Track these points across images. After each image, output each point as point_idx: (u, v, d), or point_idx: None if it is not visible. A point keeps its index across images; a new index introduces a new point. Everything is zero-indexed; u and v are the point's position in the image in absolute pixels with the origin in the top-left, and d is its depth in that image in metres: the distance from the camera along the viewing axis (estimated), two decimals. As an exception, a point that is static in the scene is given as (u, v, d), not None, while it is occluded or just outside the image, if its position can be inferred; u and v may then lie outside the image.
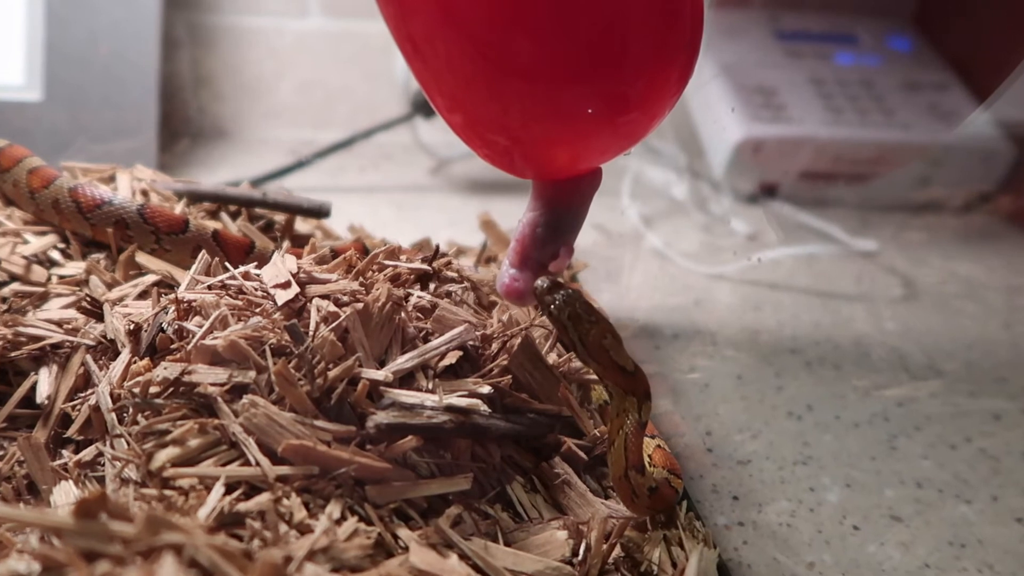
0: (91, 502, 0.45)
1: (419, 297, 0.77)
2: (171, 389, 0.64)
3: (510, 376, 0.74)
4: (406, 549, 0.59)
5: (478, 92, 0.63)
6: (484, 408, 0.68)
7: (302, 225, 1.02)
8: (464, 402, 0.66)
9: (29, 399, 0.72)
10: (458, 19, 0.58)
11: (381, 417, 0.63)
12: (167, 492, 0.56)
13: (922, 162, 1.51)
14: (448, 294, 0.79)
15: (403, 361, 0.69)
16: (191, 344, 0.66)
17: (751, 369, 1.05)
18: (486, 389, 0.70)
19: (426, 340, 0.73)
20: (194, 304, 0.71)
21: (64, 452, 0.69)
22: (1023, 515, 0.82)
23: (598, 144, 0.67)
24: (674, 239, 1.36)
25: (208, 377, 0.63)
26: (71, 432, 0.69)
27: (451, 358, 0.72)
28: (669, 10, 0.60)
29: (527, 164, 0.69)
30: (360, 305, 0.70)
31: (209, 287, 0.74)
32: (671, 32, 0.61)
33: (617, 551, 0.66)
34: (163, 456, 0.59)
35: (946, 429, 0.94)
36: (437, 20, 0.59)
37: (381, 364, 0.70)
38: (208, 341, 0.65)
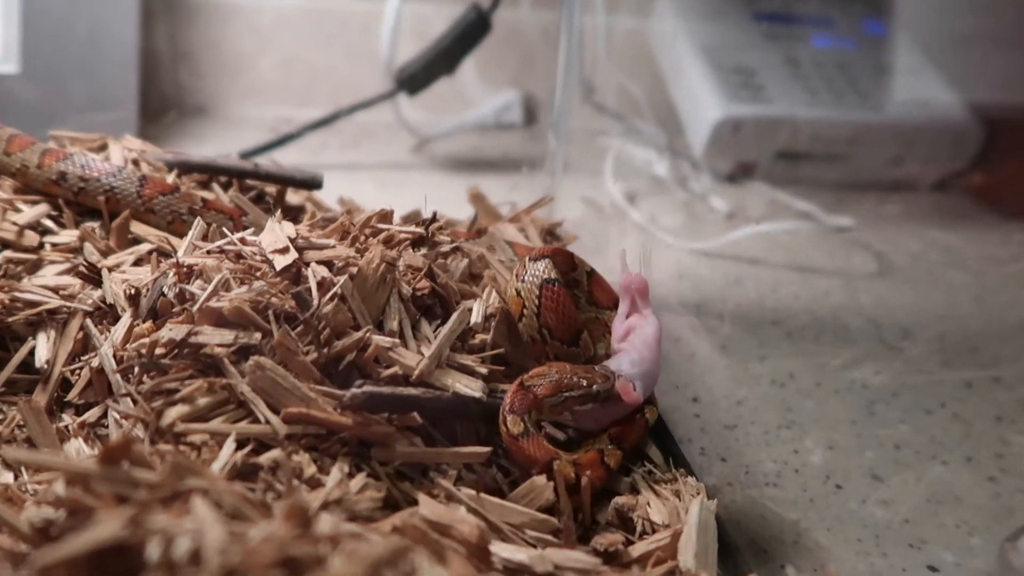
0: (116, 449, 0.45)
1: (411, 255, 0.78)
2: (177, 350, 0.65)
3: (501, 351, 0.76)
4: (411, 503, 0.60)
5: None
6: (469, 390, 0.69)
7: (293, 197, 1.02)
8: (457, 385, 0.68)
9: (27, 364, 0.72)
10: None
11: (357, 388, 0.64)
12: (180, 447, 0.57)
13: (895, 142, 1.54)
14: (444, 255, 0.80)
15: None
16: (196, 307, 0.66)
17: (734, 340, 1.08)
18: (483, 371, 0.71)
19: (420, 299, 0.75)
20: (195, 268, 0.71)
21: (64, 416, 0.69)
22: (995, 474, 0.85)
23: None
24: (656, 215, 1.38)
25: (215, 338, 0.64)
26: (72, 395, 0.69)
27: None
28: None
29: None
30: (354, 269, 0.71)
31: (208, 252, 0.75)
32: None
33: (611, 514, 0.67)
34: (173, 413, 0.59)
35: (921, 395, 0.97)
36: None
37: (379, 324, 0.71)
38: (213, 303, 0.66)
